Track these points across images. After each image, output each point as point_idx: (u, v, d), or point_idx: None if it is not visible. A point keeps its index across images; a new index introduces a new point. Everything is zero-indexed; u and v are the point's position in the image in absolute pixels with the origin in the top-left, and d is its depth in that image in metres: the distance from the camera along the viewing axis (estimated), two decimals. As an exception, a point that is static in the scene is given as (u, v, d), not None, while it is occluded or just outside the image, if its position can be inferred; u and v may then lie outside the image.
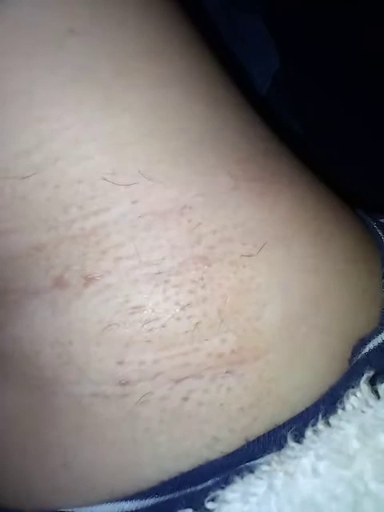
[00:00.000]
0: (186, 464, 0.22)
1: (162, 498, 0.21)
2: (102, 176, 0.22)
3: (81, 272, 0.22)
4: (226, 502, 0.19)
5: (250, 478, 0.19)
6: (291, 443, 0.19)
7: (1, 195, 0.22)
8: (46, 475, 0.23)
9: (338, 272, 0.24)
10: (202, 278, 0.22)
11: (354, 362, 0.22)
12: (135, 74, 0.23)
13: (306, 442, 0.19)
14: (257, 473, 0.19)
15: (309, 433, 0.20)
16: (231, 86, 0.26)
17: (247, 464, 0.21)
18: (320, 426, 0.20)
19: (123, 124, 0.22)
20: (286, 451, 0.19)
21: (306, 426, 0.20)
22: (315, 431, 0.20)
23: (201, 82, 0.25)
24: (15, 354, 0.23)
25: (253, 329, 0.22)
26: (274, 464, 0.19)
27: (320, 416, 0.20)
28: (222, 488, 0.20)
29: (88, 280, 0.22)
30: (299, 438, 0.20)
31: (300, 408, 0.22)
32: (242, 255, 0.23)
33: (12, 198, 0.22)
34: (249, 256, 0.23)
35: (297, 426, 0.21)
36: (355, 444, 0.18)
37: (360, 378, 0.20)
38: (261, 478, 0.19)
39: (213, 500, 0.19)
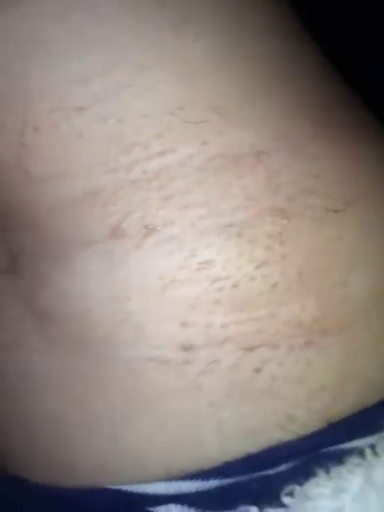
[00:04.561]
0: (254, 444, 0.17)
1: (227, 481, 0.17)
2: (170, 110, 0.17)
3: (141, 221, 0.18)
4: (307, 498, 0.14)
5: (340, 471, 0.14)
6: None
7: (55, 131, 0.18)
8: (90, 448, 0.19)
9: None
10: (280, 233, 0.17)
11: None
12: None
13: None
14: (348, 466, 0.14)
15: None
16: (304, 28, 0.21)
17: (327, 450, 0.16)
18: None
19: (197, 49, 0.18)
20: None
21: None
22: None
23: (279, 17, 0.20)
24: (62, 312, 0.19)
25: (339, 295, 0.17)
26: (368, 457, 0.14)
27: None
28: (300, 483, 0.15)
29: (149, 230, 0.18)
30: None
31: None
32: (328, 210, 0.17)
33: (67, 135, 0.18)
34: (335, 212, 0.17)
35: None
36: None
37: None
38: (352, 473, 0.14)
39: (289, 494, 0.15)
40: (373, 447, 0.15)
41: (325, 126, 0.19)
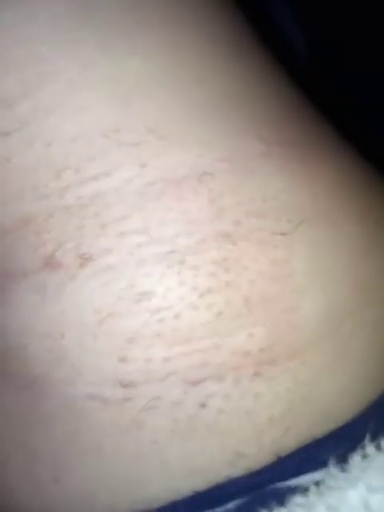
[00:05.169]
0: (201, 482, 0.16)
1: None
2: (103, 132, 0.16)
3: (76, 250, 0.16)
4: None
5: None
6: (334, 471, 0.14)
7: None
8: (34, 490, 0.18)
9: None
10: (225, 259, 0.16)
11: None
12: (147, 9, 0.17)
13: (352, 469, 0.14)
14: (290, 506, 0.13)
15: (357, 458, 0.14)
16: (261, 42, 0.20)
17: (276, 487, 0.15)
18: (369, 449, 0.14)
19: (130, 68, 0.17)
20: (328, 481, 0.14)
21: (351, 443, 0.15)
22: (364, 456, 0.14)
23: (227, 30, 0.19)
24: (0, 347, 0.18)
25: (287, 322, 0.16)
26: (311, 496, 0.13)
27: (368, 436, 0.15)
28: None
29: (84, 259, 0.16)
30: (343, 463, 0.14)
31: (344, 419, 0.16)
32: (274, 233, 0.17)
33: None
34: (282, 234, 0.17)
35: (340, 444, 0.15)
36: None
37: None
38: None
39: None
40: (317, 484, 0.14)
41: (277, 144, 0.18)
